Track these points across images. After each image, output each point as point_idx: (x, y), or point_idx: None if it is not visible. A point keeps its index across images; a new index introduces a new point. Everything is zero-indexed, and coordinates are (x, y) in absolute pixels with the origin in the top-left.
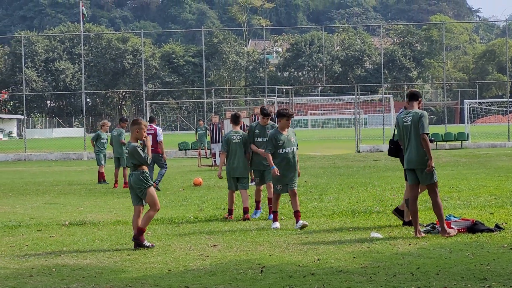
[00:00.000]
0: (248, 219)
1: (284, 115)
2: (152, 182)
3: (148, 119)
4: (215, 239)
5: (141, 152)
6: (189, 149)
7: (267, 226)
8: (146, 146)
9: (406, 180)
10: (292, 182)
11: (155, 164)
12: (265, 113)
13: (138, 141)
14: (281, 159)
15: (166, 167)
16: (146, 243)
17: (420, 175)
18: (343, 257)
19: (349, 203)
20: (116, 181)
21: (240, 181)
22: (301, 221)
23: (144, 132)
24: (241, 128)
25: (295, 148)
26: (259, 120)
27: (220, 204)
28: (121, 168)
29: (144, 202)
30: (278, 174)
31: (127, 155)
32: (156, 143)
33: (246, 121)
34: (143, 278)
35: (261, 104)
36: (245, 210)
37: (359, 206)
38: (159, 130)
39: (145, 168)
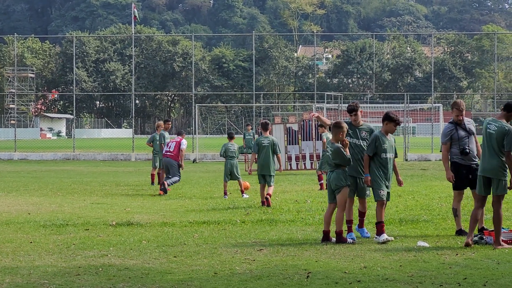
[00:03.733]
0: (269, 204)
1: (393, 120)
2: (349, 182)
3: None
4: (262, 243)
5: (344, 152)
6: None
7: (313, 232)
8: (345, 147)
9: (453, 189)
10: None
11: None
12: (350, 109)
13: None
14: (384, 164)
15: (179, 178)
16: (349, 239)
17: (493, 183)
18: (389, 265)
19: (396, 211)
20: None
21: (266, 178)
22: (385, 235)
23: (345, 135)
24: (288, 134)
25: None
26: (351, 119)
27: (267, 209)
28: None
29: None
30: (369, 183)
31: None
32: (178, 149)
33: (295, 127)
34: (189, 280)
35: (310, 110)
36: (268, 196)
37: (406, 214)
38: (184, 141)
39: (345, 168)
